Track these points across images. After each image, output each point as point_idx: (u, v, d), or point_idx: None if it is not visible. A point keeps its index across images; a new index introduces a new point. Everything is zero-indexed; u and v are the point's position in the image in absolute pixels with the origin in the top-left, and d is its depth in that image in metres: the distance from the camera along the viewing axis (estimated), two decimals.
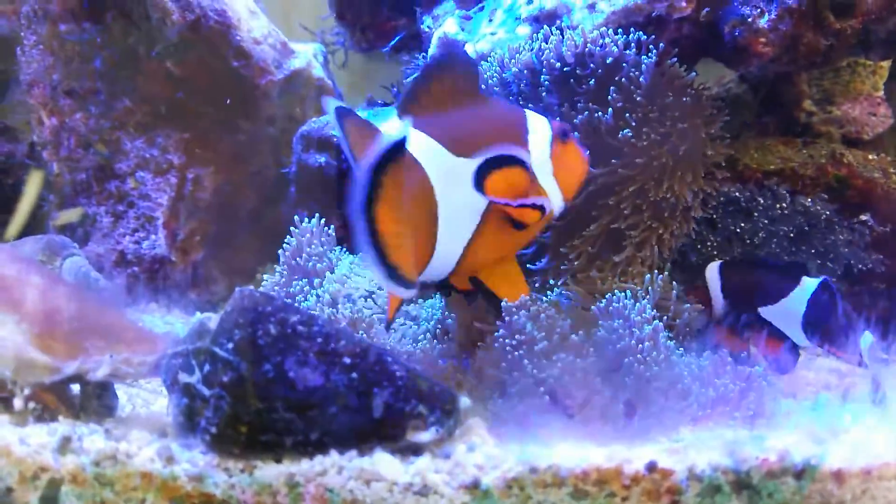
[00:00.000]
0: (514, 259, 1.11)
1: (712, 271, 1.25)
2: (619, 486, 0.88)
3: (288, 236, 1.40)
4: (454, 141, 0.99)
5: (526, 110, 1.12)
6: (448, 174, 0.99)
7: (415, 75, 1.07)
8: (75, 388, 1.10)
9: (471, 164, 0.98)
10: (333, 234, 1.43)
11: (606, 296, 1.21)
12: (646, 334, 1.13)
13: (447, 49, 1.16)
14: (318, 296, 1.28)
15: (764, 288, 1.19)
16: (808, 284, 1.15)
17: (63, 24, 1.75)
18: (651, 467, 0.88)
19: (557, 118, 1.25)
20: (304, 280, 1.33)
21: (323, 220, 1.42)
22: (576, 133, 1.23)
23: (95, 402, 1.04)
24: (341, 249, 1.44)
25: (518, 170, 1.01)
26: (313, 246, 1.37)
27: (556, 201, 1.09)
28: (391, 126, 0.96)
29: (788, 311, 1.16)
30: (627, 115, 1.32)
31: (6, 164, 1.85)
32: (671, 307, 1.27)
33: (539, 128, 1.09)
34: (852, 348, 1.13)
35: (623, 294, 1.21)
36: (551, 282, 1.36)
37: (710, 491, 0.88)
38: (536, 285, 1.38)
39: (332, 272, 1.36)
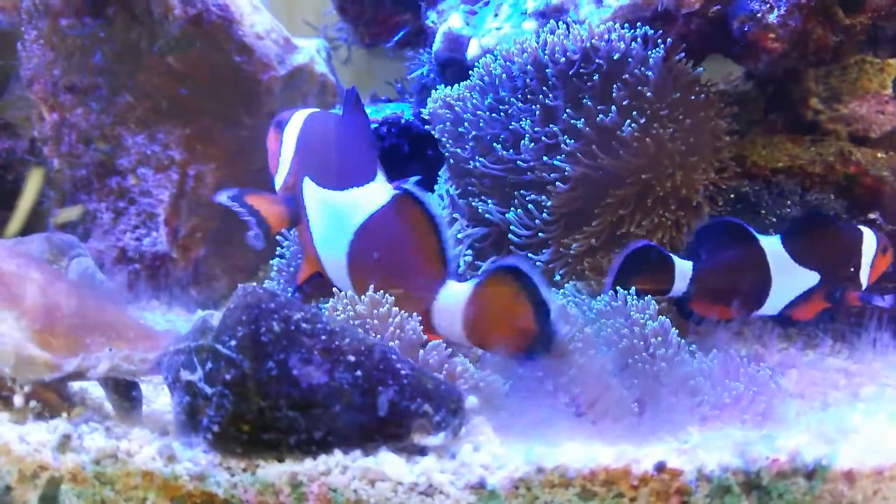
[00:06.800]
0: None
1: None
2: (627, 487, 0.86)
3: (279, 246, 1.40)
4: None
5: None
6: None
7: None
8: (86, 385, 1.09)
9: None
10: None
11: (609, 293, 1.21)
12: (650, 331, 1.12)
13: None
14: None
15: None
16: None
17: (64, 18, 1.74)
18: (660, 467, 0.87)
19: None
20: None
21: None
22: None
23: (122, 397, 1.03)
24: None
25: None
26: None
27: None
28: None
29: None
30: (634, 112, 1.31)
31: (6, 161, 1.84)
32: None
33: None
34: None
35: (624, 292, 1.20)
36: (556, 277, 1.35)
37: (720, 492, 0.87)
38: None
39: None
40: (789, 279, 1.27)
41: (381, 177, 1.18)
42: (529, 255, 1.38)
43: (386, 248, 1.16)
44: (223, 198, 1.21)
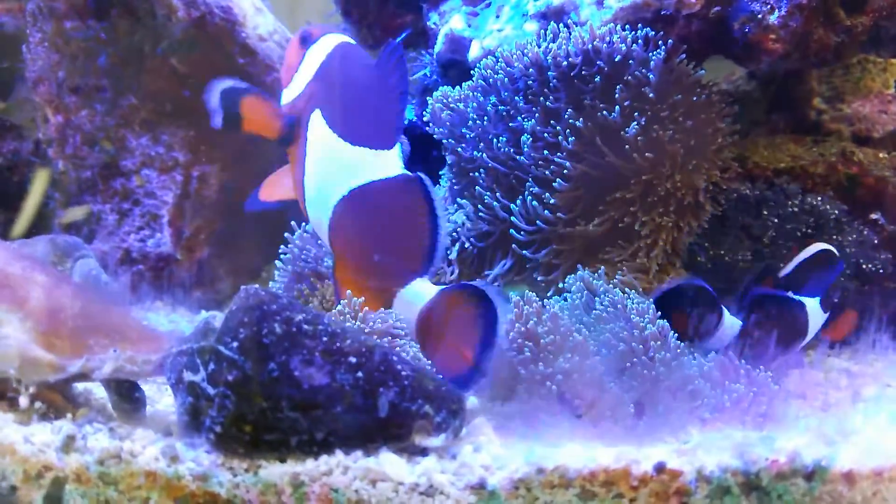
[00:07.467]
0: None
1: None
2: (627, 488, 0.87)
3: (286, 243, 1.40)
4: None
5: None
6: None
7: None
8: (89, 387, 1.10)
9: None
10: None
11: (607, 297, 1.21)
12: (649, 334, 1.12)
13: None
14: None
15: None
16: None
17: (68, 21, 1.75)
18: (659, 468, 0.87)
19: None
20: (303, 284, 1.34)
21: None
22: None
23: (123, 399, 1.03)
24: None
25: None
26: (313, 249, 1.37)
27: None
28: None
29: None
30: (637, 113, 1.31)
31: (12, 162, 1.84)
32: None
33: None
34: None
35: (624, 294, 1.20)
36: (560, 284, 1.35)
37: (720, 492, 0.87)
38: (538, 278, 1.37)
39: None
40: (816, 324, 1.35)
41: (396, 150, 1.15)
42: (528, 253, 1.38)
43: (376, 221, 1.14)
44: (216, 89, 1.18)
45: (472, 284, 1.11)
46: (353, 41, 1.24)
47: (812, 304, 1.34)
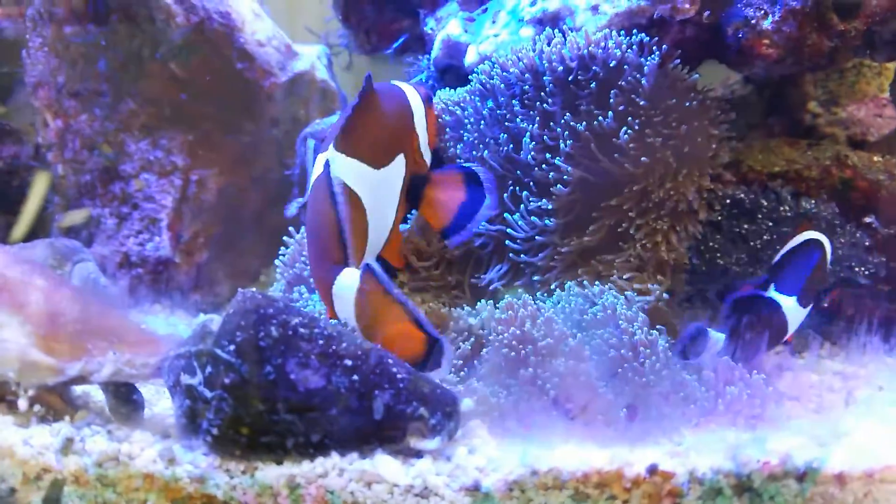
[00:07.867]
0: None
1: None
2: (620, 489, 0.88)
3: (284, 246, 1.41)
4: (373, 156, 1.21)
5: (400, 84, 1.32)
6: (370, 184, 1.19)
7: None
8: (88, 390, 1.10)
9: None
10: None
11: (599, 302, 1.22)
12: (638, 340, 1.13)
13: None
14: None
15: None
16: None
17: (68, 26, 1.76)
18: (652, 470, 0.88)
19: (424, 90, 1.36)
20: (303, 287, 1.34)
21: None
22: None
23: (121, 402, 1.04)
24: None
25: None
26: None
27: (427, 153, 1.33)
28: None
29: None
30: (630, 118, 1.32)
31: (11, 166, 1.85)
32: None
33: (413, 96, 1.31)
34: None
35: (615, 300, 1.21)
36: (553, 285, 1.36)
37: (712, 494, 0.88)
38: (536, 279, 1.38)
39: None
40: (796, 320, 1.33)
41: (331, 148, 1.16)
42: (525, 258, 1.39)
43: (309, 219, 1.15)
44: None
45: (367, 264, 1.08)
46: (396, 83, 1.31)
47: (788, 303, 1.31)
